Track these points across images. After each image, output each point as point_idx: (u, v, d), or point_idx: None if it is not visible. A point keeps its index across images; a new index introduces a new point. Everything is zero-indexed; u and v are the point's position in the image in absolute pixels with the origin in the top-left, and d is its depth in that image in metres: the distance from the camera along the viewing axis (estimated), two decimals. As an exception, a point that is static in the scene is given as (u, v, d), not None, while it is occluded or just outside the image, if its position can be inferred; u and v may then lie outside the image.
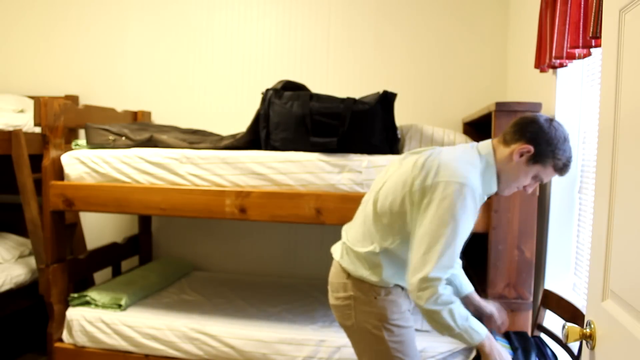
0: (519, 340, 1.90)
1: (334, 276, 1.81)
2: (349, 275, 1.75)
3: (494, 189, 1.63)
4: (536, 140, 1.54)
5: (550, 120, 1.57)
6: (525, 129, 1.56)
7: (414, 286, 1.52)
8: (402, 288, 1.76)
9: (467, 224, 1.51)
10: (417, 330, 2.36)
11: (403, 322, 1.74)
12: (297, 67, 3.35)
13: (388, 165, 1.81)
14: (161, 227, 3.62)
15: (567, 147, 1.56)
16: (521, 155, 1.56)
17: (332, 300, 1.82)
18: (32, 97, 3.32)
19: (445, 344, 2.29)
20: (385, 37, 3.28)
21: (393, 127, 2.36)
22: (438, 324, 1.55)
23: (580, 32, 1.77)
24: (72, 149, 2.65)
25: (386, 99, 2.31)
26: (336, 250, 1.86)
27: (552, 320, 2.01)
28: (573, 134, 2.16)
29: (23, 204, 2.79)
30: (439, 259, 1.49)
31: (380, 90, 2.36)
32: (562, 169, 1.57)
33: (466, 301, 1.91)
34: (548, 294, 2.02)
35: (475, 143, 1.68)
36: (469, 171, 1.53)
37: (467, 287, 1.93)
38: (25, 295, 3.04)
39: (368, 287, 1.72)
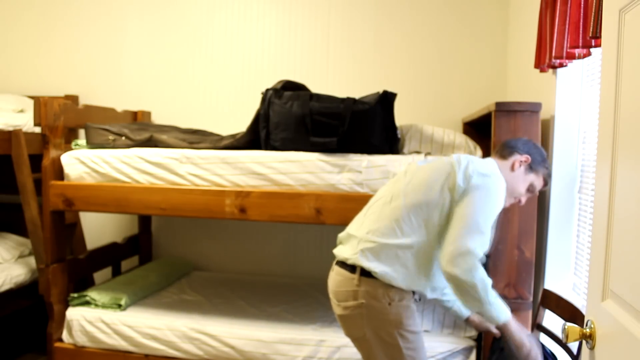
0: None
1: (341, 284, 1.74)
2: (359, 282, 1.68)
3: None
4: (530, 151, 1.79)
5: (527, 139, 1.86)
6: (517, 143, 1.81)
7: (452, 254, 1.55)
8: (413, 293, 1.74)
9: (495, 217, 1.65)
10: (417, 330, 2.36)
11: (416, 328, 1.72)
12: (297, 67, 3.35)
13: (406, 167, 1.86)
14: (161, 227, 3.62)
15: (547, 160, 1.83)
16: (520, 164, 1.77)
17: (339, 310, 1.75)
18: (32, 97, 3.32)
19: (445, 344, 2.29)
20: (385, 37, 3.28)
21: (393, 127, 2.36)
22: (470, 296, 1.57)
23: (580, 32, 1.77)
24: (72, 149, 2.65)
25: (386, 99, 2.31)
26: (346, 251, 1.76)
27: (552, 320, 2.01)
28: (573, 134, 2.16)
29: (23, 204, 2.79)
30: (479, 235, 1.56)
31: (380, 90, 2.36)
32: (549, 177, 1.85)
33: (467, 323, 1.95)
34: (548, 294, 2.02)
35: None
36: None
37: (466, 312, 1.92)
38: (25, 295, 3.03)
39: (382, 292, 1.67)
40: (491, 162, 1.74)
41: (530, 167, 1.77)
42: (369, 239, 1.70)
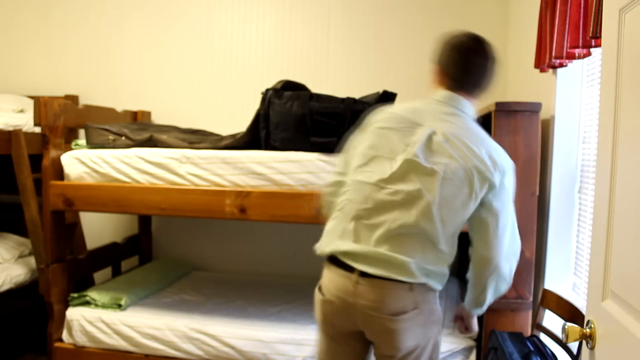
0: (515, 344, 1.90)
1: (396, 297, 1.51)
2: (413, 290, 1.52)
3: None
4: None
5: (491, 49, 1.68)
6: (486, 72, 1.64)
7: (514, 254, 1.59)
8: None
9: None
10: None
11: None
12: (297, 67, 3.35)
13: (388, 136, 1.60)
14: (161, 227, 3.62)
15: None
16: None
17: (393, 325, 1.51)
18: (32, 97, 3.32)
19: (445, 344, 2.29)
20: (385, 37, 3.28)
21: None
22: (496, 289, 1.61)
23: (580, 32, 1.77)
24: (72, 149, 2.65)
25: (386, 99, 2.31)
26: (395, 270, 1.50)
27: (551, 320, 2.01)
28: (573, 134, 2.16)
29: (23, 204, 2.79)
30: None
31: (380, 91, 2.36)
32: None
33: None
34: (548, 294, 2.02)
35: (459, 109, 1.60)
36: None
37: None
38: (25, 295, 3.04)
39: (432, 295, 1.57)
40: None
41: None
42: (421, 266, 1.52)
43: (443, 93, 1.61)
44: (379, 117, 1.64)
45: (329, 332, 1.65)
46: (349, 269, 1.53)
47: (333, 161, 1.80)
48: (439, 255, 1.53)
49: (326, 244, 1.61)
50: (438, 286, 1.57)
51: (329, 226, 1.64)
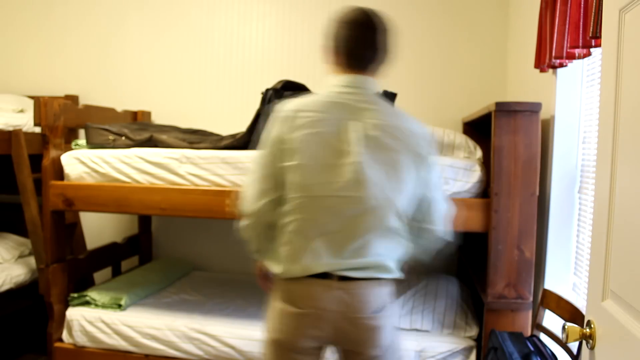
0: (515, 344, 1.90)
1: (377, 295, 1.53)
2: (387, 285, 1.56)
3: None
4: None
5: (378, 17, 1.57)
6: (389, 48, 1.58)
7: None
8: None
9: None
10: (417, 330, 2.37)
11: None
12: (297, 67, 3.35)
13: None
14: (161, 227, 3.62)
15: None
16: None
17: (376, 322, 1.52)
18: (32, 97, 3.32)
19: (445, 344, 2.29)
20: (385, 37, 3.28)
21: None
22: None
23: (580, 32, 1.77)
24: (72, 149, 2.65)
25: (386, 99, 2.30)
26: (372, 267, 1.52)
27: (551, 320, 2.01)
28: (573, 134, 2.16)
29: (23, 204, 2.79)
30: None
31: (381, 90, 2.36)
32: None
33: None
34: (548, 294, 2.02)
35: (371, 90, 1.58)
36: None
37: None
38: (25, 295, 3.04)
39: (393, 285, 1.60)
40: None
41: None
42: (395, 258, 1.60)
43: (346, 78, 1.54)
44: (297, 123, 1.50)
45: (294, 346, 1.54)
46: (326, 276, 1.50)
47: (246, 181, 1.66)
48: (402, 244, 1.59)
49: (296, 271, 1.52)
50: (397, 274, 1.61)
51: (286, 252, 1.53)
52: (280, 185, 1.53)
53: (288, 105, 1.56)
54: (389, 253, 1.54)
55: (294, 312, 1.52)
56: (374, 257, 1.50)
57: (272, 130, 1.56)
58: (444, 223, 1.62)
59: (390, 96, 2.31)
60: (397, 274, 1.57)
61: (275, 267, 1.57)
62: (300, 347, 1.54)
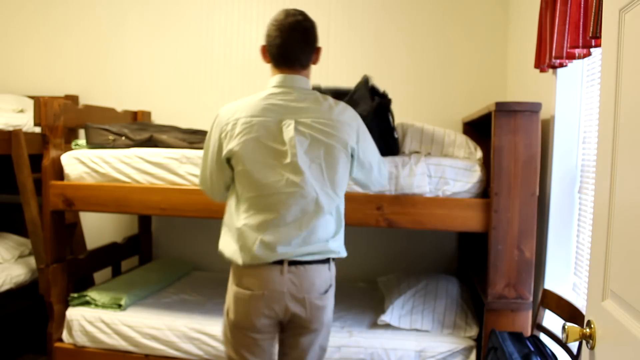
0: (515, 344, 1.90)
1: (322, 277, 1.71)
2: (330, 263, 1.75)
3: None
4: (317, 39, 1.77)
5: (302, 16, 1.75)
6: (314, 43, 1.76)
7: None
8: None
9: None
10: (417, 330, 2.37)
11: None
12: (297, 67, 3.35)
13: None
14: (161, 227, 3.62)
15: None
16: (317, 58, 1.81)
17: (321, 302, 1.70)
18: (32, 97, 3.32)
19: (445, 344, 2.29)
20: (386, 37, 3.28)
21: (390, 132, 2.32)
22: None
23: (580, 32, 1.77)
24: (72, 149, 2.65)
25: (380, 108, 2.26)
26: (310, 248, 1.70)
27: (552, 320, 2.01)
28: (573, 134, 2.16)
29: (23, 204, 2.79)
30: None
31: (380, 90, 2.35)
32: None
33: None
34: (548, 294, 2.02)
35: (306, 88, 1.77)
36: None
37: None
38: (25, 295, 3.04)
39: (334, 265, 1.78)
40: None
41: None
42: (335, 241, 1.78)
43: (278, 78, 1.72)
44: (235, 132, 1.66)
45: (252, 326, 1.70)
46: (278, 262, 1.66)
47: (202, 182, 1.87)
48: (342, 224, 1.76)
49: (251, 260, 1.66)
50: (343, 253, 1.78)
51: (241, 243, 1.68)
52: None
53: (225, 112, 1.71)
54: (331, 236, 1.71)
55: (249, 294, 1.68)
56: (319, 242, 1.68)
57: (212, 136, 1.74)
58: (382, 183, 1.92)
59: (384, 105, 2.25)
60: (341, 254, 1.76)
61: (232, 257, 1.72)
62: (257, 327, 1.70)
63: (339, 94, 2.23)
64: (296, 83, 1.71)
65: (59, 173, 2.58)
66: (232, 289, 1.75)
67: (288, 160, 1.63)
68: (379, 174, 1.88)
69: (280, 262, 1.67)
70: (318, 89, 2.07)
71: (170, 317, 2.56)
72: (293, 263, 1.68)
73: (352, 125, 1.72)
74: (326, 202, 1.67)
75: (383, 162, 1.91)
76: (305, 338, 1.75)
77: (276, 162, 1.64)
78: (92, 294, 2.65)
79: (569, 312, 1.84)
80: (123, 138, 2.63)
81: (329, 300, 1.75)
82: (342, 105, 1.75)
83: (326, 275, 1.73)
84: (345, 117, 1.71)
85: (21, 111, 3.09)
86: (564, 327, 1.15)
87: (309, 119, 1.66)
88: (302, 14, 1.71)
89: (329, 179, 1.67)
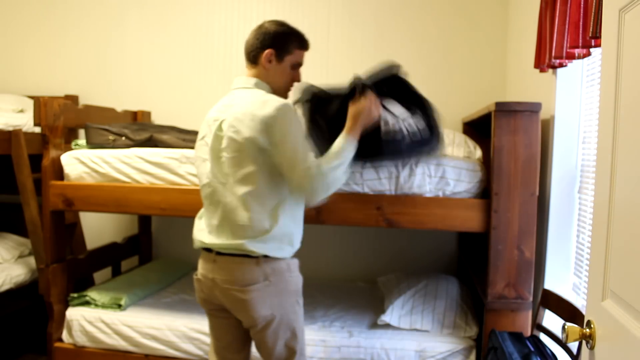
0: (515, 344, 1.90)
1: (242, 270, 1.70)
2: (260, 262, 1.70)
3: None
4: (271, 41, 1.78)
5: (270, 22, 1.82)
6: (258, 42, 1.79)
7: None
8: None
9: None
10: (417, 330, 2.37)
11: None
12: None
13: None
14: (161, 227, 3.62)
15: (290, 27, 1.83)
16: (270, 60, 1.78)
17: (244, 296, 1.69)
18: (32, 97, 3.32)
19: (445, 344, 2.29)
20: (385, 37, 3.28)
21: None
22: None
23: (580, 32, 1.77)
24: (72, 149, 2.65)
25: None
26: (227, 240, 1.73)
27: (552, 320, 2.01)
28: (573, 134, 2.16)
29: (23, 204, 2.79)
30: None
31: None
32: (304, 41, 1.85)
33: None
34: (548, 294, 2.02)
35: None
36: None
37: None
38: (25, 295, 3.03)
39: (283, 265, 1.75)
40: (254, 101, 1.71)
41: (280, 55, 1.79)
42: (246, 235, 1.74)
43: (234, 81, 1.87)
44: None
45: (206, 308, 1.86)
46: (210, 250, 1.78)
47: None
48: (262, 227, 1.70)
49: (197, 244, 1.86)
50: (283, 254, 1.74)
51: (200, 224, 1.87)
52: None
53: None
54: (248, 236, 1.69)
55: (194, 278, 1.87)
56: (235, 239, 1.70)
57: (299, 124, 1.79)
58: (314, 196, 1.72)
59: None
60: (259, 254, 1.70)
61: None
62: (206, 308, 1.85)
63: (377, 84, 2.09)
64: (238, 83, 1.86)
65: (59, 173, 2.58)
66: None
67: (205, 156, 1.82)
68: (297, 189, 1.73)
69: (211, 250, 1.79)
70: (358, 79, 2.04)
71: (170, 317, 2.56)
72: (219, 253, 1.76)
73: (265, 122, 1.64)
74: (236, 201, 1.70)
75: (317, 165, 1.68)
76: (255, 335, 1.79)
77: (204, 157, 1.82)
78: (92, 294, 2.65)
79: (569, 312, 1.84)
80: (123, 138, 2.62)
81: (256, 295, 1.69)
82: (265, 102, 1.69)
83: (246, 269, 1.70)
84: (261, 112, 1.66)
85: (21, 111, 3.09)
86: (564, 327, 1.15)
87: (230, 116, 1.72)
88: (267, 21, 1.83)
89: (241, 178, 1.69)
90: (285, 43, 1.79)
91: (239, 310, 1.74)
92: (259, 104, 1.67)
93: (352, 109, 1.81)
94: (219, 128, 1.72)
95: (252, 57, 1.81)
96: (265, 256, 1.71)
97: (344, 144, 1.75)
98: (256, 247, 1.69)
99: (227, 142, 1.69)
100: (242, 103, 1.71)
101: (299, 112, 1.84)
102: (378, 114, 1.85)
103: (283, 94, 1.85)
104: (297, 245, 1.82)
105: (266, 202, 1.70)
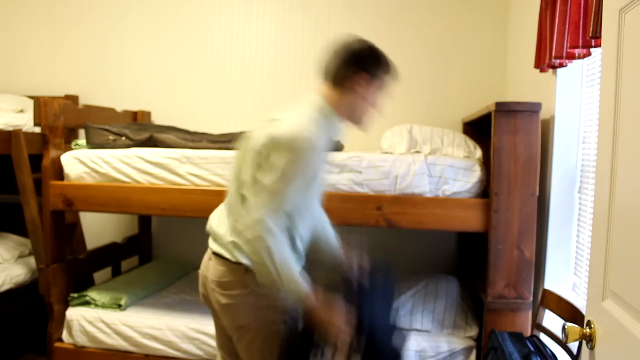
0: (515, 344, 1.90)
1: (225, 274, 1.65)
2: (245, 271, 1.62)
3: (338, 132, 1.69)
4: (363, 64, 1.62)
5: (350, 43, 1.65)
6: (344, 64, 1.61)
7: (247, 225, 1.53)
8: None
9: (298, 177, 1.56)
10: (417, 330, 2.37)
11: (296, 314, 1.70)
12: (297, 67, 3.35)
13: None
14: (161, 227, 3.62)
15: (380, 51, 1.70)
16: (360, 84, 1.61)
17: (224, 300, 1.65)
18: (32, 97, 3.32)
19: (445, 344, 2.29)
20: (385, 37, 3.28)
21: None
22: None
23: (580, 32, 1.77)
24: (72, 149, 2.65)
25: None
26: (221, 251, 1.67)
27: (551, 320, 2.01)
28: (573, 134, 2.16)
29: (23, 204, 2.79)
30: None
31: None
32: (394, 69, 1.73)
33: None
34: (548, 294, 2.02)
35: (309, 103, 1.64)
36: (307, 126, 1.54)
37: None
38: (25, 295, 3.03)
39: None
40: (301, 121, 1.54)
41: (370, 80, 1.63)
42: (237, 242, 1.62)
43: None
44: None
45: (205, 304, 1.82)
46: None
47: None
48: (238, 233, 1.64)
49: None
50: (235, 259, 1.65)
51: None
52: None
53: None
54: (236, 243, 1.62)
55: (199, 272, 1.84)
56: (224, 242, 1.67)
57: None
58: (244, 231, 1.54)
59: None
60: (234, 258, 1.62)
61: None
62: (205, 304, 1.82)
63: None
64: (300, 98, 1.69)
65: (59, 173, 2.58)
66: None
67: None
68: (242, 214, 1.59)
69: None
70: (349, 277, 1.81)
71: (170, 317, 2.56)
72: (214, 253, 1.73)
73: (270, 143, 1.53)
74: (231, 205, 1.68)
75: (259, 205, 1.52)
76: (236, 345, 1.71)
77: None
78: (92, 294, 2.65)
79: (569, 312, 1.84)
80: (123, 138, 2.63)
81: (235, 300, 1.64)
82: (290, 123, 1.56)
83: (224, 270, 1.65)
84: (273, 132, 1.54)
85: (21, 111, 3.09)
86: (564, 327, 1.15)
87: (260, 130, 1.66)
88: (347, 39, 1.68)
89: (235, 183, 1.66)
90: (377, 68, 1.64)
91: (221, 314, 1.71)
92: (281, 127, 1.53)
93: (326, 314, 1.52)
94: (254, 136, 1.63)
95: (336, 78, 1.61)
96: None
97: (297, 287, 1.51)
98: (242, 256, 1.61)
99: (242, 153, 1.67)
100: (278, 120, 1.58)
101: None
102: (344, 336, 1.53)
103: (359, 121, 1.67)
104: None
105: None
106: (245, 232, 1.52)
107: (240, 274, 1.63)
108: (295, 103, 1.66)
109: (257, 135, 1.60)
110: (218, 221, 1.75)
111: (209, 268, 1.74)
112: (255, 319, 1.65)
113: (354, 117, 1.66)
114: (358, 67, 1.61)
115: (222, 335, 1.83)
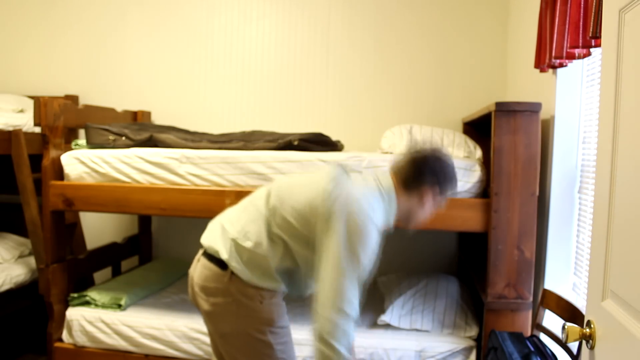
0: (515, 344, 1.90)
1: (210, 279, 1.65)
2: (230, 280, 1.62)
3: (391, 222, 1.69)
4: (438, 179, 1.65)
5: (436, 156, 1.66)
6: (423, 172, 1.64)
7: (326, 318, 1.50)
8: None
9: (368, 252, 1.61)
10: (417, 330, 2.37)
11: (286, 323, 1.72)
12: (297, 67, 3.35)
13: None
14: (161, 227, 3.62)
15: (455, 172, 1.71)
16: (429, 195, 1.65)
17: (206, 306, 1.65)
18: (32, 97, 3.32)
19: (445, 344, 2.29)
20: (385, 36, 3.28)
21: None
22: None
23: (580, 32, 1.77)
24: (72, 149, 2.65)
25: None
26: (218, 245, 1.66)
27: (551, 320, 2.01)
28: (573, 134, 2.16)
29: (23, 204, 2.79)
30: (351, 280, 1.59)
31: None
32: (455, 189, 1.75)
33: None
34: (548, 294, 2.02)
35: (377, 182, 1.67)
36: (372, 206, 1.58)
37: None
38: (25, 295, 3.03)
39: (253, 292, 1.63)
40: (368, 195, 1.60)
41: (438, 195, 1.67)
42: (238, 242, 1.63)
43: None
44: None
45: (194, 304, 1.77)
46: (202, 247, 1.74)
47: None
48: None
49: None
50: (258, 283, 1.63)
51: None
52: None
53: None
54: (242, 255, 1.63)
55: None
56: (230, 244, 1.65)
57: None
58: (331, 309, 1.55)
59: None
60: (223, 261, 1.62)
61: None
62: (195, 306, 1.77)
63: None
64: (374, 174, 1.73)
65: (59, 173, 2.58)
66: None
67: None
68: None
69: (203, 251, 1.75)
70: None
71: (170, 317, 2.56)
72: (207, 255, 1.70)
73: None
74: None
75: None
76: (220, 348, 1.71)
77: None
78: (92, 294, 2.65)
79: (569, 312, 1.84)
80: (123, 138, 2.62)
81: (217, 308, 1.64)
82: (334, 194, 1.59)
83: (209, 274, 1.65)
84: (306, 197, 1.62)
85: (21, 111, 3.09)
86: (564, 327, 1.15)
87: None
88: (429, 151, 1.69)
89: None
90: (448, 187, 1.68)
91: (204, 319, 1.70)
92: (318, 195, 1.57)
93: None
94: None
95: (409, 184, 1.64)
96: (236, 274, 1.63)
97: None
98: (233, 258, 1.62)
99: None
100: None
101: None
102: None
103: (409, 224, 1.73)
104: (282, 286, 1.69)
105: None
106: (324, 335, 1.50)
107: (224, 282, 1.63)
108: (368, 176, 1.70)
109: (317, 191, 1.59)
110: (229, 222, 1.71)
111: (196, 269, 1.72)
112: (237, 327, 1.64)
113: (408, 219, 1.71)
114: (433, 183, 1.65)
115: (212, 342, 1.81)
